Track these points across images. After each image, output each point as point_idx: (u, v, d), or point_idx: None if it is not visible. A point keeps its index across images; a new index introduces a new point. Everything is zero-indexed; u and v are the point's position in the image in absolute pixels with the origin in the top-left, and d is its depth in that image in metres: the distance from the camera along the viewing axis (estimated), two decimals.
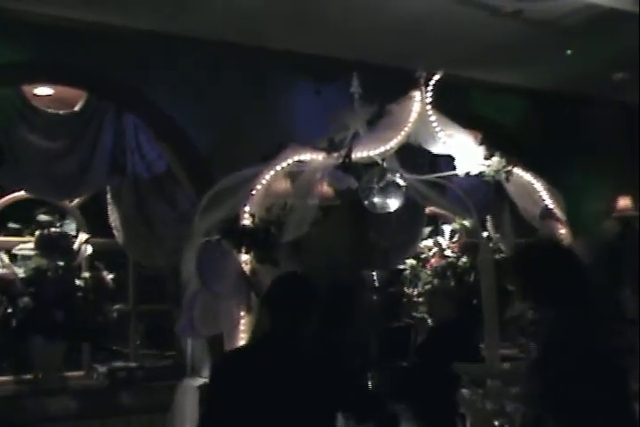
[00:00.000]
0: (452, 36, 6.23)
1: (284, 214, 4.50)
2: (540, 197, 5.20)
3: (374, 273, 5.76)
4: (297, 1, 5.68)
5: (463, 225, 7.17)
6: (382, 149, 4.68)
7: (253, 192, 4.38)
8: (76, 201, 6.21)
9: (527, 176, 5.21)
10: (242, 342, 4.22)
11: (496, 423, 4.52)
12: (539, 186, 5.19)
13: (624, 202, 7.92)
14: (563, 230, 5.17)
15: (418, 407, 4.76)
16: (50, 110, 5.77)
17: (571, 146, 7.79)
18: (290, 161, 4.55)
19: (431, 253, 7.24)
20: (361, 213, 5.56)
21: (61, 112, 5.81)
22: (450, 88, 6.74)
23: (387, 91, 5.38)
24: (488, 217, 7.26)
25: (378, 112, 4.86)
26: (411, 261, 7.17)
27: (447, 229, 7.41)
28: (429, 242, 7.30)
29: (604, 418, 3.76)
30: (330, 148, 4.62)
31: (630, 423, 3.90)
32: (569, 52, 6.48)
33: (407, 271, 7.15)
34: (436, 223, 7.50)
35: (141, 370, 6.10)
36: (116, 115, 5.97)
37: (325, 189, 6.16)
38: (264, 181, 4.42)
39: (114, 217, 6.05)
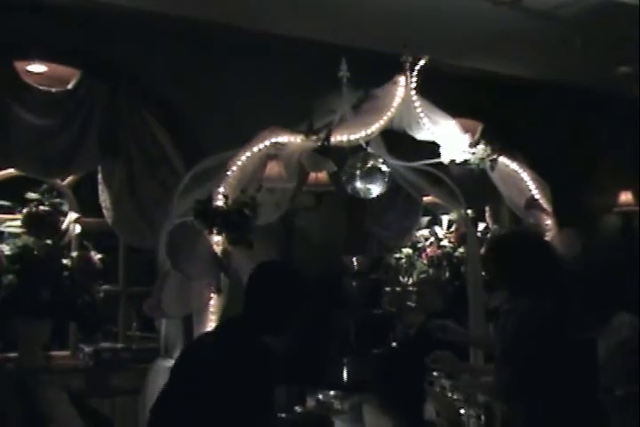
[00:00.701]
0: (450, 25, 6.18)
1: (263, 197, 4.46)
2: (527, 186, 5.13)
3: (354, 259, 5.71)
4: None
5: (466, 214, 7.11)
6: (363, 133, 4.64)
7: (228, 173, 4.34)
8: (69, 180, 6.20)
9: (513, 165, 5.15)
10: (211, 324, 4.19)
11: (472, 413, 4.49)
12: (525, 175, 5.12)
13: (626, 197, 7.85)
14: (548, 221, 5.10)
15: (388, 395, 4.74)
16: (42, 88, 5.73)
17: (572, 138, 7.72)
18: (267, 143, 4.51)
19: (427, 243, 7.19)
20: (357, 199, 5.53)
21: (54, 90, 5.77)
22: (449, 77, 6.77)
23: (383, 78, 5.35)
24: (486, 207, 7.25)
25: (363, 97, 4.80)
26: (407, 250, 7.13)
27: (446, 218, 7.35)
28: (426, 231, 7.26)
29: (573, 408, 3.74)
30: (309, 130, 4.57)
31: (599, 413, 3.87)
32: (577, 43, 6.38)
33: (403, 260, 7.12)
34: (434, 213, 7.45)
35: (128, 351, 6.09)
36: (110, 94, 5.92)
37: (320, 175, 6.15)
38: (239, 163, 4.38)
39: (104, 197, 6.03)
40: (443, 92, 6.06)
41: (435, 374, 4.47)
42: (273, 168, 4.73)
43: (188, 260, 4.12)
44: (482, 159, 4.99)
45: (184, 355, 3.46)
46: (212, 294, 4.21)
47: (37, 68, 5.80)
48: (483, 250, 5.94)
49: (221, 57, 6.25)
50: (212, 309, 4.21)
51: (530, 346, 3.74)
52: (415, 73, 4.84)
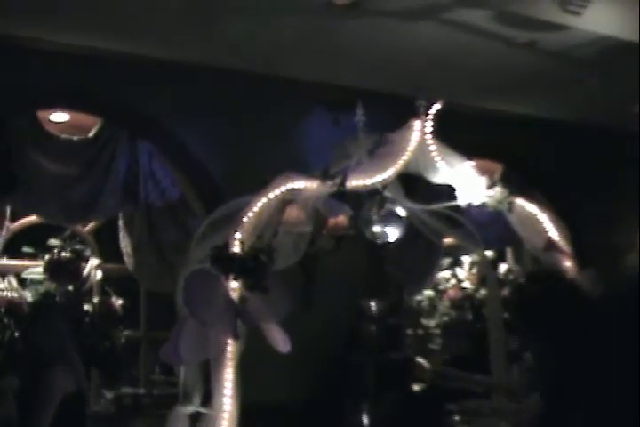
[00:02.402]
0: (466, 67, 6.23)
1: (280, 242, 4.47)
2: (545, 228, 5.11)
3: (373, 303, 5.70)
4: (313, 30, 5.72)
5: (483, 257, 7.09)
6: (379, 177, 4.64)
7: (244, 219, 4.36)
8: (90, 226, 6.26)
9: (531, 207, 5.13)
10: (228, 370, 4.18)
11: None
12: (543, 217, 5.10)
13: None
14: (567, 263, 5.06)
15: None
16: (64, 136, 5.82)
17: (592, 178, 7.71)
18: (283, 189, 4.53)
19: (449, 285, 7.18)
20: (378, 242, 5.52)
21: (75, 138, 5.86)
22: (468, 119, 6.80)
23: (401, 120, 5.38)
24: (508, 249, 7.22)
25: (379, 141, 4.82)
26: (428, 292, 7.12)
27: (467, 260, 7.34)
28: (447, 273, 7.24)
29: None
30: (324, 176, 4.59)
31: None
32: (593, 82, 6.40)
33: (424, 302, 7.10)
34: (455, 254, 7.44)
35: (149, 397, 6.10)
36: (130, 141, 6.01)
37: (340, 218, 6.16)
38: (256, 209, 4.40)
39: (125, 243, 6.09)
40: (461, 133, 6.12)
41: (456, 418, 4.44)
42: (292, 212, 4.74)
43: (205, 306, 4.12)
44: (499, 202, 4.98)
45: None
46: (229, 340, 4.19)
47: (60, 116, 5.89)
48: (505, 292, 5.93)
49: (238, 101, 6.31)
50: (229, 355, 4.20)
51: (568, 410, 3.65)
52: (430, 117, 4.85)
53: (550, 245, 5.07)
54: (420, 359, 5.76)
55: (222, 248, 4.24)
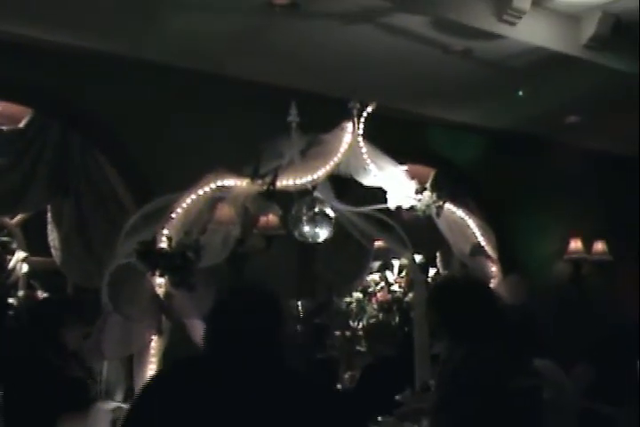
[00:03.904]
0: (406, 72, 6.31)
1: (208, 239, 4.46)
2: (472, 233, 5.18)
3: (299, 303, 5.71)
4: (253, 30, 5.72)
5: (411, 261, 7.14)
6: (309, 178, 4.68)
7: (173, 215, 4.35)
8: (18, 218, 6.16)
9: (459, 212, 5.21)
10: (151, 366, 4.17)
11: None
12: (470, 222, 5.18)
13: (575, 244, 7.93)
14: (493, 268, 5.15)
15: None
16: None
17: (524, 187, 7.83)
18: (213, 186, 4.53)
19: (378, 288, 7.21)
20: (308, 243, 5.53)
21: (5, 128, 5.76)
22: (404, 124, 6.87)
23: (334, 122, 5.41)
24: (437, 253, 7.29)
25: (311, 141, 4.85)
26: (357, 295, 7.13)
27: (397, 263, 7.38)
28: (377, 276, 7.28)
29: None
30: (254, 174, 4.60)
31: None
32: (520, 93, 6.52)
33: (353, 304, 7.12)
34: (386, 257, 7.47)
35: None
36: (61, 133, 5.91)
37: (270, 218, 6.17)
38: (184, 205, 4.40)
39: (53, 237, 5.99)
40: (396, 138, 6.17)
41: (379, 419, 4.46)
42: (223, 210, 4.75)
43: (129, 301, 4.11)
44: (428, 206, 5.03)
45: None
46: (153, 336, 4.18)
47: None
48: None
49: (173, 98, 6.27)
50: (152, 351, 4.19)
51: (462, 402, 3.65)
52: (363, 119, 4.89)
53: (477, 249, 5.15)
54: None
55: (149, 244, 4.22)
